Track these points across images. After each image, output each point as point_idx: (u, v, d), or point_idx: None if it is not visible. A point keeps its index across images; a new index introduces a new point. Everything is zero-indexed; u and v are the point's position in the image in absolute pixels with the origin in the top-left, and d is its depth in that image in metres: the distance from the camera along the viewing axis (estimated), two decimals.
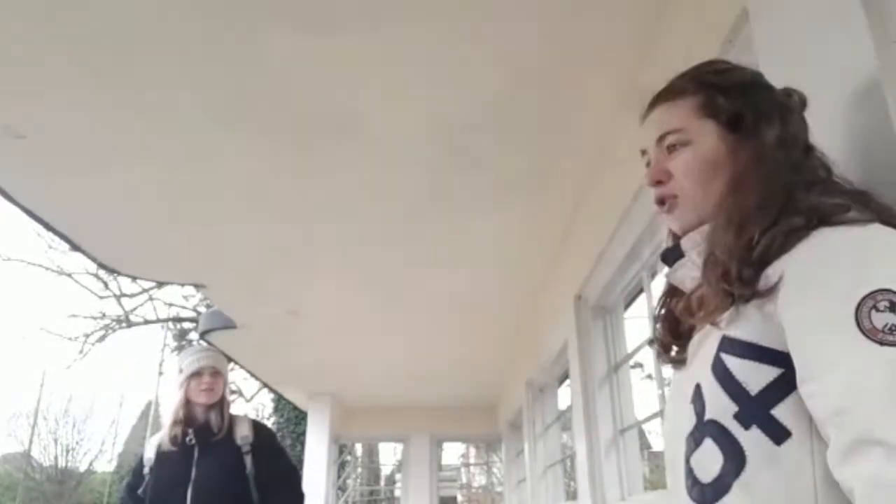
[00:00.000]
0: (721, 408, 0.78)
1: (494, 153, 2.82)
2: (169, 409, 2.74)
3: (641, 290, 2.88)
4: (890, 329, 0.65)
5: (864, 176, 0.90)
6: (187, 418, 2.64)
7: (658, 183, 0.93)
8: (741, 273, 0.78)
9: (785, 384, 0.73)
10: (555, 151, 2.82)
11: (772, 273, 0.76)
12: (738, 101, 0.90)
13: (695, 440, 0.82)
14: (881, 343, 0.65)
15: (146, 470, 2.62)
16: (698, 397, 0.82)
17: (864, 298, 0.67)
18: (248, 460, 2.63)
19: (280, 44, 2.15)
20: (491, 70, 2.30)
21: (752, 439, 0.75)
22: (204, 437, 2.61)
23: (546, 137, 2.71)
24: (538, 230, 3.58)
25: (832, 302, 0.69)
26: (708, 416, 0.79)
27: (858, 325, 0.67)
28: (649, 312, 2.63)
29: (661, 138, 0.94)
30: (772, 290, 0.75)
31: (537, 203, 3.27)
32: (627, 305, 3.16)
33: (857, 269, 0.70)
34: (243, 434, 2.66)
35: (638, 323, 3.13)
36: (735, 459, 0.75)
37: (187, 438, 2.60)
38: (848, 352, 0.67)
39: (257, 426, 2.76)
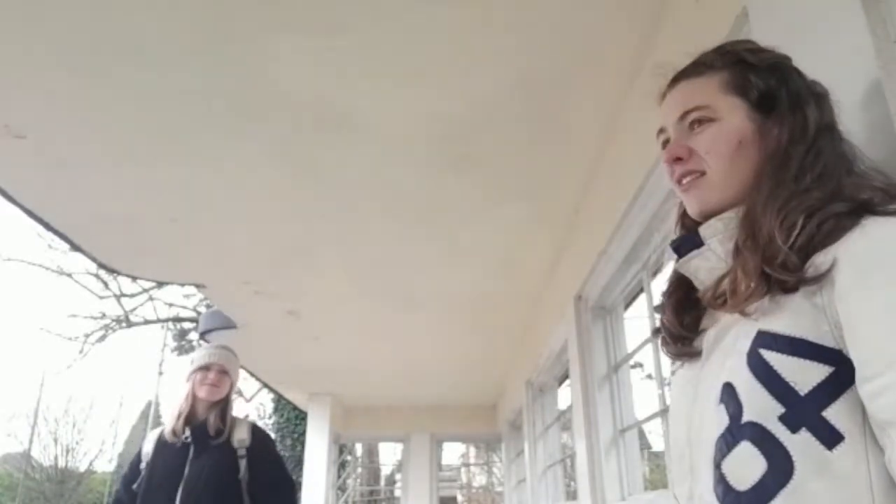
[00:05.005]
0: (764, 409, 0.71)
1: (494, 153, 2.82)
2: (175, 402, 2.74)
3: (641, 290, 2.88)
4: None
5: None
6: (189, 413, 2.64)
7: (678, 160, 0.88)
8: (786, 259, 0.72)
9: (837, 384, 0.67)
10: (554, 151, 2.82)
11: (821, 262, 0.69)
12: (771, 81, 0.85)
13: (727, 444, 0.75)
14: None
15: (143, 465, 2.63)
16: (731, 398, 0.75)
17: None
18: (243, 465, 2.62)
19: (280, 44, 2.15)
20: (490, 70, 2.29)
21: (800, 444, 0.68)
22: (201, 437, 2.60)
23: (545, 137, 2.71)
24: (538, 230, 3.58)
25: None
26: (746, 417, 0.73)
27: None
28: (649, 312, 2.63)
29: (683, 115, 0.89)
30: (822, 279, 0.69)
31: (537, 203, 3.27)
32: (627, 305, 3.16)
33: None
34: (241, 437, 2.66)
35: (638, 323, 3.13)
36: (781, 466, 0.69)
37: (184, 436, 2.60)
38: None
39: (256, 431, 2.74)
